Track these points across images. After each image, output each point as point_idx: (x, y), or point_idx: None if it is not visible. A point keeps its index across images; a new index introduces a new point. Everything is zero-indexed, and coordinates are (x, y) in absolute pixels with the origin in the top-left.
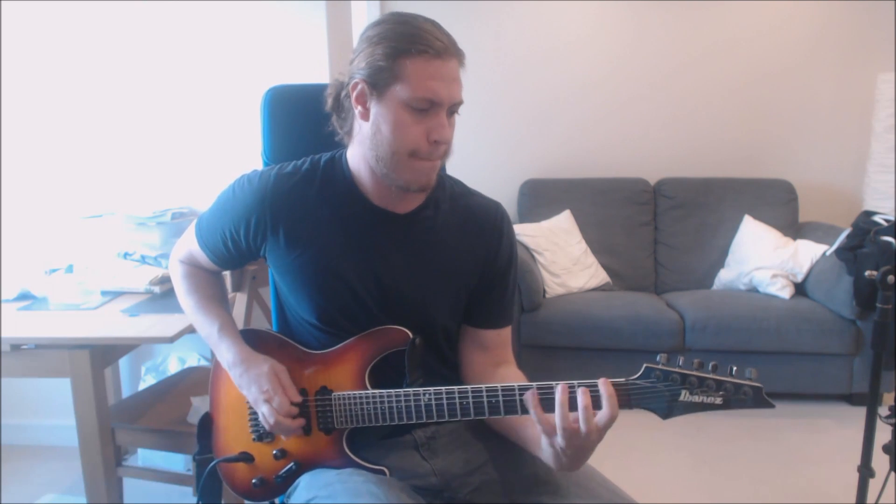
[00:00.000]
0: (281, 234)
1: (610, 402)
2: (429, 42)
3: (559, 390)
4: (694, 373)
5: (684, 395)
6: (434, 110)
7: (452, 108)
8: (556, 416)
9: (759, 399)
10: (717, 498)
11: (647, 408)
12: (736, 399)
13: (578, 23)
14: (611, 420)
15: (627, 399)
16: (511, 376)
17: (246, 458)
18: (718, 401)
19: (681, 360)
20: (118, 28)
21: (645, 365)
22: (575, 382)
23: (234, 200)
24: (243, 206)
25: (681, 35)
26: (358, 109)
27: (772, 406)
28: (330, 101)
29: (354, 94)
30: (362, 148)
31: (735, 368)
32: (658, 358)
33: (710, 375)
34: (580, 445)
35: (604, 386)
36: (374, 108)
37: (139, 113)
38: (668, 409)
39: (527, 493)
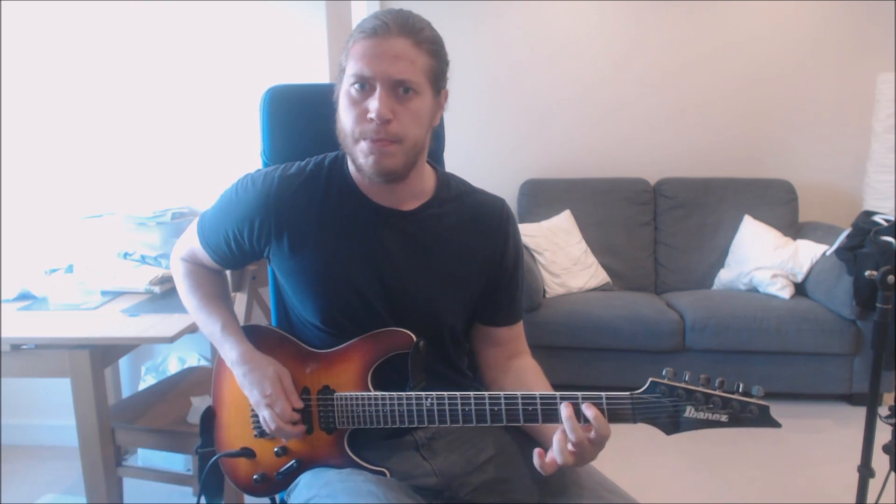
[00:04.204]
0: (285, 237)
1: (597, 422)
2: (372, 26)
3: (556, 439)
4: (700, 389)
5: (689, 412)
6: (371, 89)
7: (404, 86)
8: (556, 454)
9: (765, 418)
10: (717, 498)
11: (651, 423)
12: (742, 417)
13: (579, 23)
14: (602, 439)
15: (631, 414)
16: (526, 368)
17: (247, 453)
18: (724, 418)
19: (687, 376)
20: (118, 28)
21: (650, 379)
22: (557, 400)
23: (237, 202)
24: (247, 209)
25: (681, 35)
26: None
27: (778, 425)
28: None
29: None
30: None
31: (742, 385)
32: (664, 372)
33: (717, 392)
34: (578, 458)
35: (587, 409)
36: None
37: (139, 113)
38: (672, 424)
39: (527, 493)
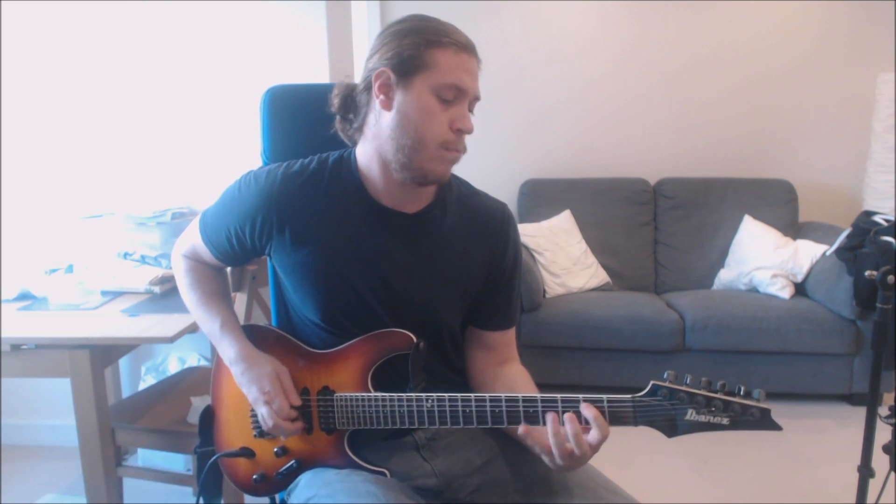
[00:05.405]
0: (287, 234)
1: (596, 422)
2: (457, 37)
3: (549, 420)
4: (701, 392)
5: (690, 415)
6: (458, 101)
7: (470, 105)
8: (551, 444)
9: (766, 421)
10: (717, 498)
11: (653, 426)
12: (743, 420)
13: (579, 23)
14: (602, 439)
15: (633, 416)
16: (516, 375)
17: (247, 453)
18: (725, 421)
19: (688, 379)
20: (118, 28)
21: (652, 382)
22: (558, 402)
23: (240, 198)
24: (249, 205)
25: (681, 35)
26: (380, 99)
27: (779, 428)
28: (337, 102)
29: (378, 82)
30: (377, 141)
31: (743, 388)
32: (665, 375)
33: (718, 395)
34: (577, 460)
35: (587, 409)
36: (399, 97)
37: (139, 113)
38: (673, 427)
39: (527, 493)
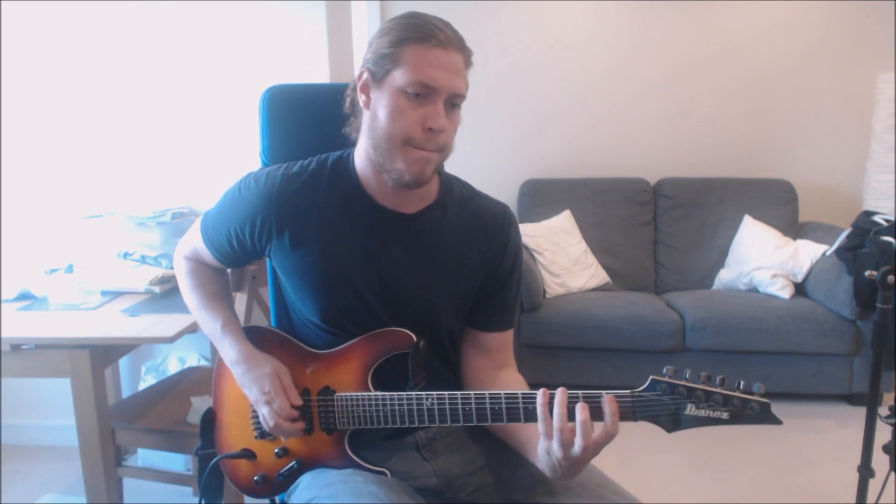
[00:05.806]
0: (286, 235)
1: (612, 419)
2: (431, 32)
3: (559, 394)
4: (701, 386)
5: (690, 409)
6: (431, 98)
7: (453, 101)
8: (555, 419)
9: (766, 415)
10: (717, 498)
11: (652, 421)
12: (743, 414)
13: (579, 23)
14: (609, 437)
15: (632, 412)
16: (512, 381)
17: (248, 454)
18: (725, 415)
19: (687, 373)
20: (118, 28)
21: (651, 377)
22: (579, 393)
23: (240, 200)
24: (249, 207)
25: (681, 35)
26: (362, 99)
27: (779, 422)
28: (347, 102)
29: (360, 83)
30: (364, 140)
31: (743, 382)
32: (664, 370)
33: (718, 390)
34: (576, 458)
35: (608, 404)
36: (373, 95)
37: (139, 113)
38: (673, 422)
39: (528, 493)
